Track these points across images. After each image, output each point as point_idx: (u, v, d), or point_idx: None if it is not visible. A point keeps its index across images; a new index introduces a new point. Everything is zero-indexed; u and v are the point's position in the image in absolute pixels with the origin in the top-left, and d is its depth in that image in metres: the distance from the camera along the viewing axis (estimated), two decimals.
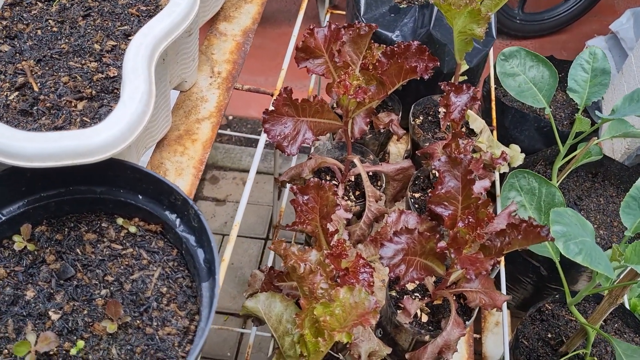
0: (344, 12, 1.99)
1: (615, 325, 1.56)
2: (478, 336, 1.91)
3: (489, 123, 1.67)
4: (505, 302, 1.66)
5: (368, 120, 1.34)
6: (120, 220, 0.88)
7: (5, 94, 0.93)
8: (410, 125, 1.56)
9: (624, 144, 2.71)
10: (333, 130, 1.29)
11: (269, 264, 1.62)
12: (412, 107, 1.57)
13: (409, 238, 1.08)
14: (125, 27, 1.06)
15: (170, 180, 0.85)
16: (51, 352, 0.76)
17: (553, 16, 3.50)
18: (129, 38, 1.03)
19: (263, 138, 1.24)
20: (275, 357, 1.14)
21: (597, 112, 1.58)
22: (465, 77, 1.58)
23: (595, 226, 1.74)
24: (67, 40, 1.03)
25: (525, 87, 1.54)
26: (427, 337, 1.20)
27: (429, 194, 1.11)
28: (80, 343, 0.75)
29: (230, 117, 3.02)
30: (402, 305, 1.21)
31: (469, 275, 1.02)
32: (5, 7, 1.06)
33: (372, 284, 1.08)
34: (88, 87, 0.96)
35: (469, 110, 1.56)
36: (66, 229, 0.86)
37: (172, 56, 1.10)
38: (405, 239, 1.08)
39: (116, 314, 0.77)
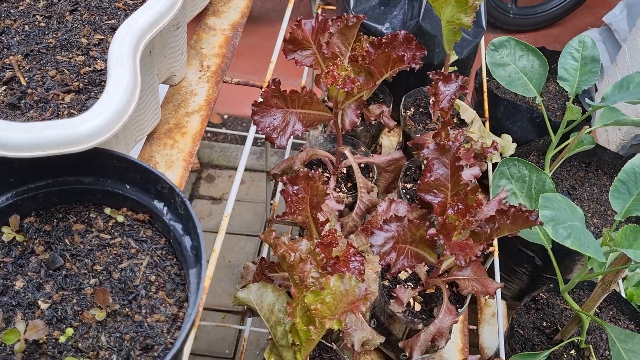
0: (335, 8, 2.00)
1: (610, 313, 1.56)
2: (475, 327, 1.92)
3: (482, 115, 1.68)
4: (500, 292, 1.67)
5: (359, 112, 1.35)
6: (108, 210, 0.88)
7: None
8: (401, 116, 1.56)
9: (619, 135, 2.72)
10: (323, 122, 1.30)
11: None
12: (403, 99, 1.57)
13: (399, 226, 1.09)
14: (112, 20, 1.06)
15: (168, 178, 0.86)
16: (41, 341, 0.76)
17: (546, 10, 3.51)
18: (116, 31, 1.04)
19: (252, 130, 1.24)
20: (268, 348, 1.14)
21: (587, 100, 1.59)
22: (455, 68, 1.58)
23: (589, 215, 1.75)
24: (54, 35, 1.04)
25: (516, 77, 1.55)
26: (420, 326, 1.21)
27: (419, 182, 1.12)
28: (69, 331, 0.76)
29: (226, 116, 3.03)
30: (395, 295, 1.21)
31: (459, 260, 1.03)
32: None
33: (362, 272, 1.08)
34: (75, 80, 0.97)
35: (459, 101, 1.57)
36: (55, 220, 0.87)
37: (160, 49, 1.10)
38: (395, 226, 1.09)
39: (105, 302, 0.77)
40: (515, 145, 1.66)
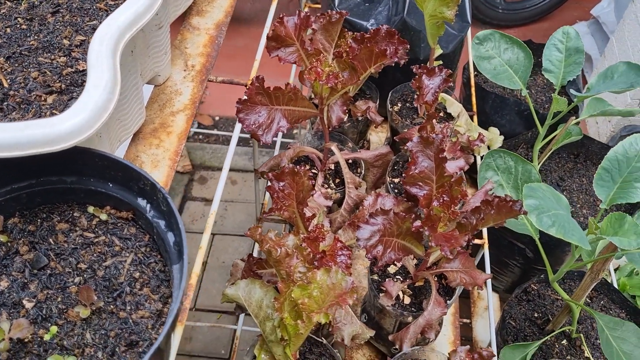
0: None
1: (601, 302, 1.57)
2: (468, 321, 1.92)
3: (470, 109, 1.69)
4: (492, 285, 1.67)
5: (345, 108, 1.35)
6: (91, 209, 0.88)
7: None
8: (388, 112, 1.57)
9: (609, 127, 2.73)
10: (308, 118, 1.30)
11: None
12: (390, 94, 1.58)
13: (385, 219, 1.09)
14: (94, 22, 1.07)
15: (150, 174, 0.86)
16: (26, 340, 0.76)
17: (535, 4, 3.52)
18: None
19: (237, 129, 1.25)
20: (258, 344, 1.14)
21: (572, 91, 1.59)
22: (441, 62, 1.59)
23: (578, 205, 1.76)
24: (36, 37, 1.04)
25: (501, 70, 1.55)
26: (410, 319, 1.21)
27: (403, 175, 1.12)
28: (54, 329, 0.76)
29: (217, 118, 3.03)
30: (384, 288, 1.22)
31: (444, 251, 1.03)
32: None
33: (349, 265, 1.09)
34: (57, 81, 0.97)
35: (445, 95, 1.58)
36: (39, 220, 0.87)
37: (143, 49, 1.10)
38: (382, 220, 1.09)
39: (89, 299, 0.77)
40: (502, 137, 1.67)
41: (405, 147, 1.11)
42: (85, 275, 0.83)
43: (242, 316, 1.52)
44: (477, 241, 1.42)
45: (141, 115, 1.13)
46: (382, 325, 1.30)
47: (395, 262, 1.30)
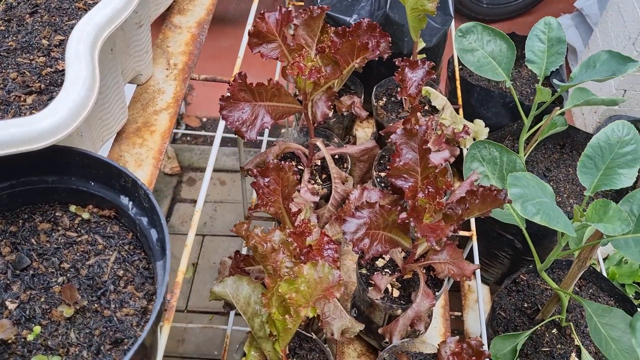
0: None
1: (590, 291, 1.57)
2: (460, 314, 1.93)
3: (456, 102, 1.69)
4: (481, 276, 1.68)
5: (330, 104, 1.35)
6: (73, 208, 0.88)
7: None
8: (373, 107, 1.57)
9: (595, 118, 2.74)
10: (293, 114, 1.30)
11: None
12: (374, 89, 1.58)
13: (371, 212, 1.09)
14: (73, 21, 1.06)
15: (131, 171, 0.86)
16: (9, 341, 0.76)
17: None
18: None
19: (221, 128, 1.24)
20: (248, 341, 1.14)
21: (555, 81, 1.60)
22: (424, 56, 1.59)
23: (565, 195, 1.76)
24: (14, 38, 1.03)
25: (485, 62, 1.56)
26: (399, 311, 1.21)
27: (388, 168, 1.12)
28: (37, 329, 0.75)
29: (204, 119, 3.02)
30: (373, 282, 1.22)
31: (430, 242, 1.03)
32: None
33: (337, 259, 1.09)
34: (37, 81, 0.97)
35: (430, 88, 1.58)
36: (20, 221, 0.87)
37: (123, 48, 1.10)
38: (367, 213, 1.09)
39: (72, 298, 0.77)
40: (488, 129, 1.68)
41: (390, 140, 1.11)
42: (68, 275, 0.82)
43: (232, 316, 1.51)
44: (465, 233, 1.42)
45: (123, 114, 1.13)
46: (372, 319, 1.30)
47: (383, 256, 1.30)
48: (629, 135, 1.14)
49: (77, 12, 1.07)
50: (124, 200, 0.85)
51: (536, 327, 1.40)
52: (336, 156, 1.46)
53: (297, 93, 1.56)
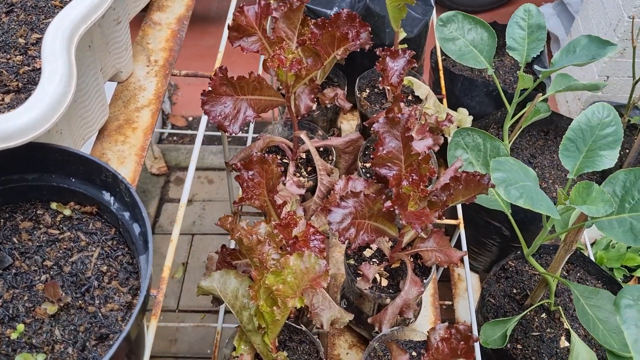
0: None
1: (578, 274, 1.58)
2: (450, 303, 1.94)
3: (439, 93, 1.70)
4: (469, 264, 1.68)
5: (313, 96, 1.35)
6: (54, 205, 0.87)
7: None
8: (356, 98, 1.57)
9: (579, 105, 2.76)
10: (276, 107, 1.30)
11: None
12: (357, 81, 1.58)
13: (356, 201, 1.09)
14: (49, 19, 1.05)
15: (111, 166, 0.85)
16: None
17: None
18: None
19: (203, 123, 1.24)
20: (237, 335, 1.14)
21: (536, 67, 1.61)
22: (406, 46, 1.59)
23: (550, 181, 1.77)
24: None
25: (466, 50, 1.56)
26: (388, 300, 1.21)
27: (372, 157, 1.12)
28: (20, 327, 0.75)
29: (190, 118, 3.01)
30: (361, 272, 1.22)
31: (416, 229, 1.03)
32: None
33: (323, 250, 1.09)
34: (14, 80, 0.96)
35: (413, 78, 1.58)
36: (1, 220, 0.86)
37: (102, 45, 1.09)
38: (353, 202, 1.09)
39: (55, 295, 0.76)
40: (471, 118, 1.68)
41: (373, 129, 1.11)
42: (51, 273, 0.82)
43: (222, 312, 1.51)
44: (452, 221, 1.43)
45: (104, 112, 1.12)
46: (361, 309, 1.30)
47: (370, 245, 1.30)
48: (609, 117, 1.15)
49: (54, 10, 1.07)
50: (106, 195, 0.85)
51: (525, 312, 1.41)
52: (321, 149, 1.46)
53: (280, 87, 1.56)
